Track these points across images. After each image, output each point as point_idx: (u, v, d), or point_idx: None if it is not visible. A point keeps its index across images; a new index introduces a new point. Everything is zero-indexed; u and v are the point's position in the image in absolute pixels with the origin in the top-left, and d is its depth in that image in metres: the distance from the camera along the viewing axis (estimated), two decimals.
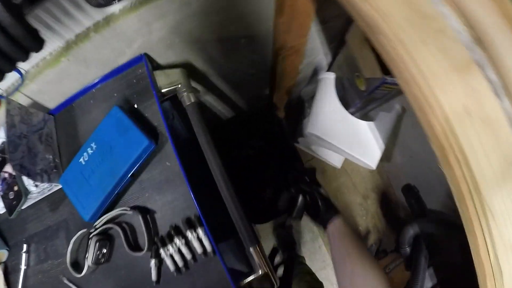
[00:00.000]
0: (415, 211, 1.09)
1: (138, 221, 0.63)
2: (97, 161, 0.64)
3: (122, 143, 0.63)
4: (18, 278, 0.79)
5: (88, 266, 0.66)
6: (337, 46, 0.93)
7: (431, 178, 0.95)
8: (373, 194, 1.44)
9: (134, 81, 0.70)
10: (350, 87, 0.87)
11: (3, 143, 0.74)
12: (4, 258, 0.83)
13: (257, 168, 1.01)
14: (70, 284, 0.71)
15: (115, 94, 0.71)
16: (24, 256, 0.77)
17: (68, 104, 0.75)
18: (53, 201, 0.73)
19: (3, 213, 0.75)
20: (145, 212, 0.64)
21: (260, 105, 1.13)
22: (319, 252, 1.42)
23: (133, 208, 0.63)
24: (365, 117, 0.96)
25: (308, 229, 1.41)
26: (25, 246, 0.78)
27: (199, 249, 0.61)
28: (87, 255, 0.65)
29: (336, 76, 0.94)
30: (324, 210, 0.67)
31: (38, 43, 0.50)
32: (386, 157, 1.19)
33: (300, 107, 1.26)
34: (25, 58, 0.51)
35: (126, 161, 0.62)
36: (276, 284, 0.65)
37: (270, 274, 0.64)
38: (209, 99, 1.04)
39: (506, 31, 0.36)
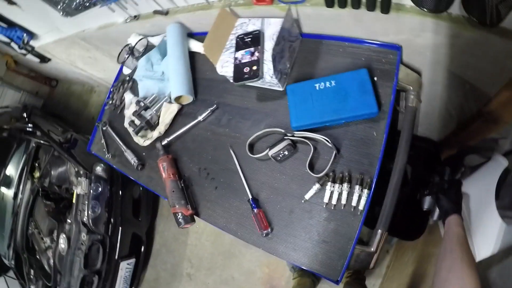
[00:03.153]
0: None
1: (328, 154, 0.79)
2: (329, 95, 0.79)
3: (357, 97, 0.78)
4: (188, 122, 0.97)
5: (265, 154, 0.82)
6: None
7: None
8: None
9: (383, 60, 0.84)
10: (511, 184, 0.97)
11: (258, 31, 0.90)
12: (185, 102, 1.01)
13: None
14: (234, 155, 0.88)
15: (363, 59, 0.85)
16: (207, 112, 0.95)
17: (319, 38, 0.90)
18: (265, 95, 0.90)
19: (219, 75, 0.91)
20: (338, 151, 0.79)
21: (428, 139, 1.26)
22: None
23: (332, 143, 0.78)
24: (503, 219, 1.04)
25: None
26: (215, 106, 0.95)
27: (354, 202, 0.76)
28: (272, 147, 0.81)
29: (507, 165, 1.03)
30: (449, 200, 0.79)
31: None
32: (489, 262, 1.25)
33: (456, 168, 1.35)
34: None
35: (352, 111, 0.77)
36: (373, 266, 0.79)
37: (376, 255, 0.78)
38: None
39: None
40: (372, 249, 0.79)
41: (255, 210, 0.82)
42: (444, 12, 0.73)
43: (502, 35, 0.69)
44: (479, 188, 1.02)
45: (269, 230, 0.81)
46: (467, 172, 1.10)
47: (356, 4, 0.77)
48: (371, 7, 0.76)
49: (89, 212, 1.61)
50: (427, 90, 0.98)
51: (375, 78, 0.83)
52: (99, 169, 1.59)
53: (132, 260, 1.78)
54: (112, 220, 1.61)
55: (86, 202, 1.60)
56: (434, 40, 0.82)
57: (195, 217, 0.92)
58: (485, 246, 1.03)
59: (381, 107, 0.79)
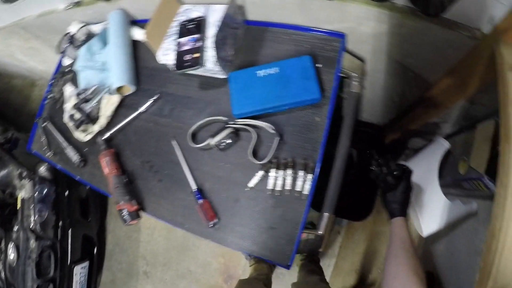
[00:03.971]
0: None
1: (270, 140, 0.78)
2: (272, 82, 0.79)
3: (299, 84, 0.77)
4: (129, 114, 0.92)
5: (207, 144, 0.79)
6: (467, 126, 1.08)
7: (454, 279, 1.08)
8: None
9: (327, 47, 0.84)
10: (451, 164, 1.02)
11: (201, 18, 0.88)
12: (126, 93, 0.96)
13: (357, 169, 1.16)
14: (177, 146, 0.85)
15: (307, 46, 0.85)
16: (149, 102, 0.91)
17: (264, 25, 0.89)
18: (207, 83, 0.87)
19: (160, 64, 0.87)
20: (280, 137, 0.78)
21: (373, 124, 1.30)
22: (325, 269, 1.44)
23: (275, 129, 0.77)
24: (446, 196, 1.09)
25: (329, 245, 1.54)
26: (157, 95, 0.91)
27: (299, 187, 0.76)
28: (213, 136, 0.79)
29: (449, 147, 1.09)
30: (395, 201, 0.74)
31: None
32: (436, 236, 1.31)
33: (400, 151, 1.42)
34: None
35: (294, 97, 0.77)
36: (323, 248, 0.80)
37: (325, 238, 0.79)
38: None
39: None
40: (320, 232, 0.79)
41: (200, 201, 0.79)
42: (388, 1, 0.74)
43: (443, 25, 0.72)
44: (423, 169, 1.08)
45: (216, 220, 0.79)
46: (411, 154, 1.15)
47: None
48: None
49: (36, 217, 1.49)
50: (370, 77, 1.01)
51: (320, 65, 0.83)
52: (42, 170, 1.47)
53: (86, 264, 1.68)
54: (60, 223, 1.50)
55: (32, 206, 1.48)
56: (378, 29, 0.83)
57: (142, 212, 0.88)
58: (431, 222, 1.08)
59: (324, 93, 0.80)
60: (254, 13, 0.90)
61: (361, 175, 0.99)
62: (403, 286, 0.59)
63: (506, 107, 0.54)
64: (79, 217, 1.65)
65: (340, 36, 0.85)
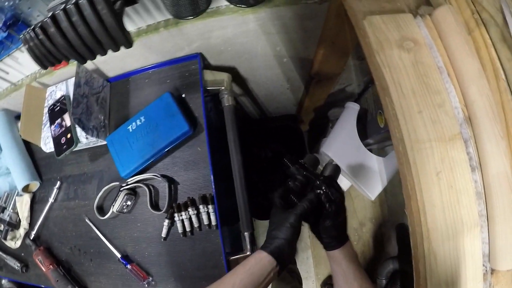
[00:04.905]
0: (401, 248, 1.20)
1: (164, 187, 0.78)
2: (143, 132, 0.79)
3: (166, 123, 0.78)
4: (44, 208, 0.93)
5: (112, 212, 0.81)
6: (370, 81, 1.08)
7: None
8: (370, 223, 1.50)
9: (186, 74, 0.84)
10: (371, 121, 1.01)
11: (63, 96, 0.88)
12: (34, 189, 0.97)
13: (272, 169, 1.17)
14: (90, 223, 0.86)
15: (168, 81, 0.85)
16: (55, 191, 0.92)
17: (125, 77, 0.89)
18: (94, 153, 0.88)
19: (50, 152, 0.88)
20: (171, 182, 0.79)
21: (287, 115, 1.29)
22: (305, 263, 1.49)
23: (163, 176, 0.78)
24: (380, 152, 1.09)
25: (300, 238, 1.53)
26: (58, 183, 0.92)
27: (206, 221, 0.76)
28: (114, 203, 0.80)
29: (361, 108, 1.08)
30: (336, 230, 0.56)
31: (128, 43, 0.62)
32: (392, 193, 1.30)
33: (325, 125, 1.41)
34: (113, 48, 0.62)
35: (166, 139, 0.77)
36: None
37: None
38: (244, 100, 1.19)
39: (492, 118, 0.43)
40: (248, 252, 0.80)
41: (128, 266, 0.80)
42: (207, 9, 0.74)
43: (287, 3, 0.71)
44: (343, 138, 1.07)
45: (150, 278, 0.80)
46: (334, 124, 1.15)
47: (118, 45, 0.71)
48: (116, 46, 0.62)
49: None
50: (253, 77, 1.00)
51: (183, 95, 0.83)
52: (5, 283, 1.48)
53: None
54: None
55: None
56: (226, 35, 0.83)
57: None
58: (374, 184, 1.08)
59: (196, 121, 0.80)
60: (111, 70, 0.90)
61: (280, 171, 0.99)
62: None
63: (372, 58, 0.49)
64: None
65: (194, 57, 0.85)
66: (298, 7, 0.73)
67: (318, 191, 0.54)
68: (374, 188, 1.08)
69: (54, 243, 0.93)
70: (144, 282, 0.80)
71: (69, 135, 0.82)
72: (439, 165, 0.43)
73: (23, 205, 0.96)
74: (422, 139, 0.44)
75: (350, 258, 0.55)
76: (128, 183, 0.80)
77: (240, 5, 0.74)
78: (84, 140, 0.82)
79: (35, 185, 0.96)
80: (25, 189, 0.95)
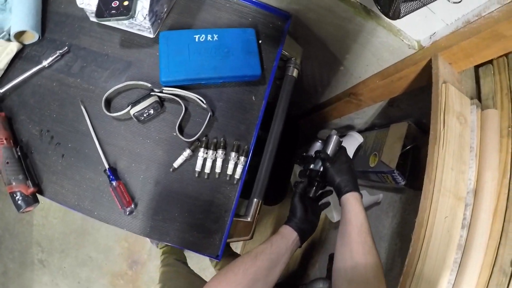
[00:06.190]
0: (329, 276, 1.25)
1: (201, 116, 0.69)
2: (210, 50, 0.70)
3: (240, 57, 0.70)
4: (29, 68, 0.73)
5: (126, 113, 0.67)
6: (381, 125, 1.15)
7: None
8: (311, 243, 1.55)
9: (270, 25, 0.79)
10: (363, 157, 1.07)
11: None
12: (28, 41, 0.76)
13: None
14: (85, 113, 0.70)
15: (250, 19, 0.78)
16: (55, 56, 0.73)
17: None
18: (130, 40, 0.74)
19: (78, 8, 0.70)
20: (213, 113, 0.70)
21: (295, 110, 1.28)
22: None
23: (207, 104, 0.69)
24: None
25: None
26: (65, 48, 0.74)
27: (230, 171, 0.69)
28: (134, 104, 0.67)
29: (362, 142, 1.14)
30: (346, 174, 0.64)
31: None
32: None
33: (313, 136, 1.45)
34: None
35: (233, 71, 0.69)
36: (251, 237, 0.74)
37: (253, 226, 0.74)
38: None
39: (488, 199, 0.58)
40: (249, 219, 0.74)
41: (114, 183, 0.66)
42: None
43: (389, 29, 0.72)
44: None
45: (133, 206, 0.67)
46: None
47: None
48: None
49: None
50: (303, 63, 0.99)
51: (260, 41, 0.76)
52: None
53: None
54: None
55: None
56: (325, 18, 0.80)
57: (39, 196, 0.70)
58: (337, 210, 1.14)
59: (263, 72, 0.74)
60: None
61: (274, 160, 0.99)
62: (365, 266, 0.52)
63: (436, 113, 0.62)
64: None
65: (286, 16, 0.80)
66: (393, 38, 0.74)
67: (311, 166, 0.70)
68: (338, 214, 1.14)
69: (21, 116, 0.72)
70: (127, 209, 0.66)
71: (126, 2, 0.67)
72: (448, 211, 0.58)
73: (4, 52, 0.74)
74: (447, 188, 0.59)
75: (362, 206, 0.61)
76: (164, 91, 0.68)
77: (372, 12, 0.71)
78: (141, 18, 0.67)
79: (31, 37, 0.75)
80: (18, 36, 0.74)
